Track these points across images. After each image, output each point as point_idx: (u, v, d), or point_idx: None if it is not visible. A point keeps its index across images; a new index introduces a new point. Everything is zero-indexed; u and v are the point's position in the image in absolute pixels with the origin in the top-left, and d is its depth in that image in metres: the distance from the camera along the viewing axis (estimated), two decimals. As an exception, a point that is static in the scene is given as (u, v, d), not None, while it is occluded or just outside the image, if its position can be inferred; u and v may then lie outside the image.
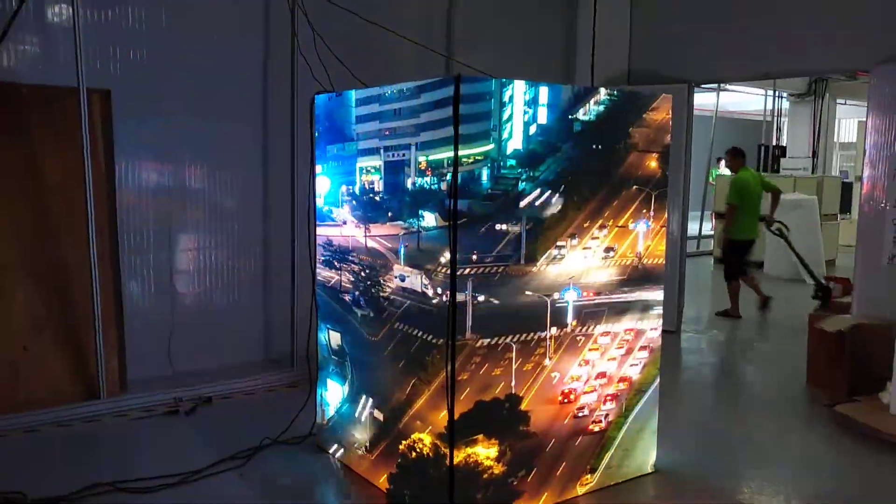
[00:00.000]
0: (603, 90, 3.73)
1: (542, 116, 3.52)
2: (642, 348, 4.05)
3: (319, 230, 4.42)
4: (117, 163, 5.23)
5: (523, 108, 3.44)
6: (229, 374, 5.63)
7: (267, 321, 6.09)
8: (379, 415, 3.96)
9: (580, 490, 3.88)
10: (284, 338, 6.01)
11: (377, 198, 3.89)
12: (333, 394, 4.40)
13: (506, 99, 3.38)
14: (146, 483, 3.92)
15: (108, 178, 5.20)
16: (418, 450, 3.64)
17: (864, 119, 6.24)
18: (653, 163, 3.97)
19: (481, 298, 3.41)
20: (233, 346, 5.92)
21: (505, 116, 3.39)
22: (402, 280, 3.70)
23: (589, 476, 3.92)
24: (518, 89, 3.42)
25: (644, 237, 3.97)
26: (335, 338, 4.35)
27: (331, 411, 4.43)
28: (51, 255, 5.04)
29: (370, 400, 4.04)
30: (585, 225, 3.72)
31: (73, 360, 5.12)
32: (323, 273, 4.42)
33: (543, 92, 3.51)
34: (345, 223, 4.17)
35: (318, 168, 4.37)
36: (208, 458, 4.24)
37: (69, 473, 4.02)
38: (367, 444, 4.05)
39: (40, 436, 4.64)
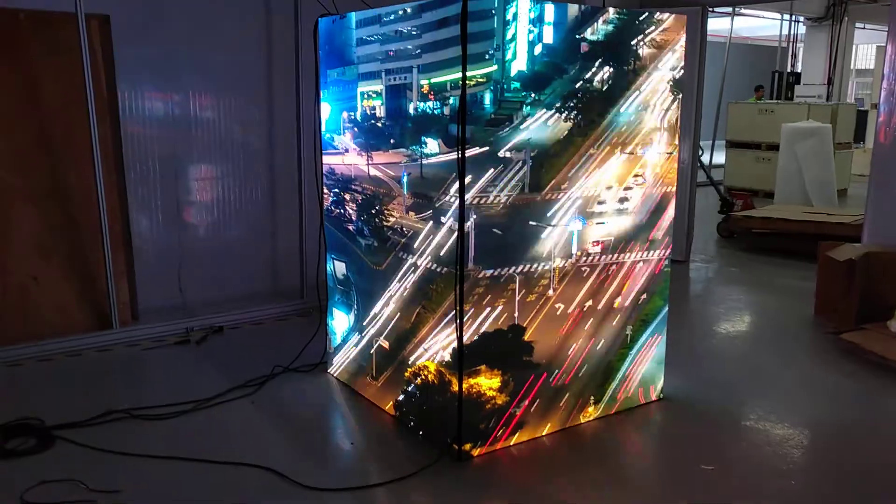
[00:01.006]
0: (612, 9, 3.60)
1: (548, 36, 3.40)
2: (649, 278, 4.03)
3: (323, 158, 4.37)
4: (119, 89, 5.15)
5: (528, 27, 3.32)
6: (239, 304, 5.68)
7: (276, 250, 6.09)
8: (384, 343, 3.99)
9: (583, 419, 3.93)
10: (294, 267, 6.02)
11: (379, 124, 3.82)
12: (340, 322, 4.43)
13: (509, 17, 3.26)
14: (160, 410, 4.00)
15: (110, 105, 5.14)
16: (423, 377, 3.68)
17: (884, 44, 6.04)
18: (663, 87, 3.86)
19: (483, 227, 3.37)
20: (242, 275, 5.94)
21: (508, 36, 3.28)
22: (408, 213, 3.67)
23: (592, 408, 3.95)
24: (522, 6, 3.30)
25: (653, 165, 3.90)
26: (340, 267, 4.36)
27: (338, 339, 4.47)
28: (57, 184, 5.02)
29: (375, 328, 4.06)
30: (592, 151, 3.64)
31: (84, 289, 5.16)
32: (326, 202, 4.39)
33: (549, 10, 3.39)
34: (347, 151, 4.12)
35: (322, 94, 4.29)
36: (220, 386, 4.30)
37: (84, 401, 4.09)
38: (374, 372, 4.10)
39: (54, 364, 4.71)
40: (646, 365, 4.13)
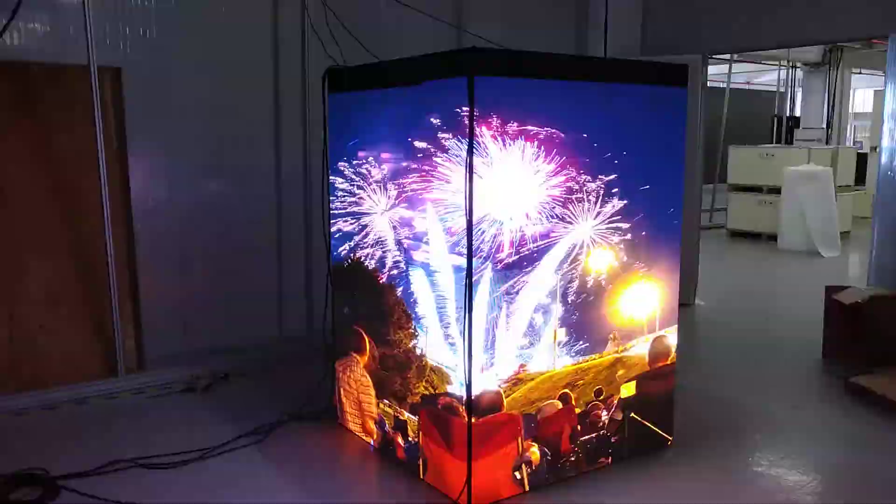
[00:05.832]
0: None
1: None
2: (659, 323, 4.03)
3: (333, 211, 4.41)
4: (130, 141, 5.21)
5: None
6: (246, 351, 5.65)
7: (283, 297, 6.09)
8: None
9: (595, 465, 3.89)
10: (300, 314, 6.02)
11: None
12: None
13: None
14: (166, 459, 3.97)
15: (120, 155, 5.20)
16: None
17: (882, 88, 6.13)
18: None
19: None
20: (249, 322, 5.91)
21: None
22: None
23: (603, 457, 3.92)
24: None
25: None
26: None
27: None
28: (66, 233, 5.06)
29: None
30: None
31: (91, 337, 5.16)
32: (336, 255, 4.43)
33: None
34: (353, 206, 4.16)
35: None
36: (227, 434, 4.27)
37: (89, 450, 4.06)
38: (380, 419, 4.07)
39: (60, 413, 4.69)
40: (656, 409, 4.09)
